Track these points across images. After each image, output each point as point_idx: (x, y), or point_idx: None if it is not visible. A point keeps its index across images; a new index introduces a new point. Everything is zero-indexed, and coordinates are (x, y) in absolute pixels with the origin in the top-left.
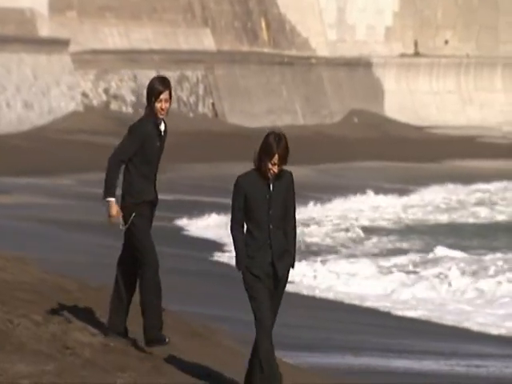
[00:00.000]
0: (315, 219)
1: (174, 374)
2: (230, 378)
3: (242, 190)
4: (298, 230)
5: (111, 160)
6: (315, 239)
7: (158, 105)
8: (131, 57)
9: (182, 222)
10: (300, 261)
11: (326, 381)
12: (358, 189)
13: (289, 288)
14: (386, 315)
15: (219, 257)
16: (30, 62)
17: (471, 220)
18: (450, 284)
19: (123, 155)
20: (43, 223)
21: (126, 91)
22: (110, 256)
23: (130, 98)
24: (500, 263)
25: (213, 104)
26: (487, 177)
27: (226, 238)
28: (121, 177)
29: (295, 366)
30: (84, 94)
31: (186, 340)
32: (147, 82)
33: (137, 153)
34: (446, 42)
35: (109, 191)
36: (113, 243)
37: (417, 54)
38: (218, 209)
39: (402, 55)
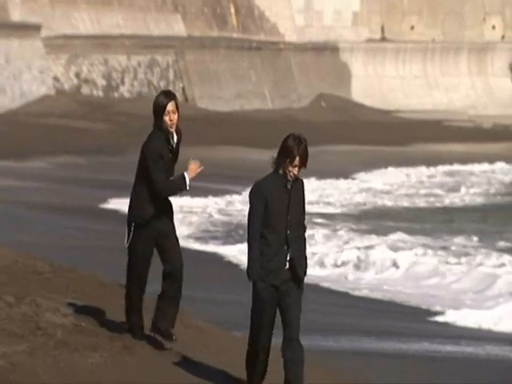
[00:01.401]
0: None
1: (144, 353)
2: (200, 357)
3: (262, 195)
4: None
5: (162, 182)
6: None
7: (166, 118)
8: (102, 42)
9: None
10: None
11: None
12: (326, 173)
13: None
14: (345, 295)
15: None
16: (1, 46)
17: (427, 203)
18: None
19: (163, 174)
20: (15, 206)
21: (96, 75)
22: (81, 238)
23: (101, 82)
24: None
25: (183, 88)
26: (453, 160)
27: None
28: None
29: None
30: (55, 78)
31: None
32: (118, 66)
33: (145, 169)
34: (412, 27)
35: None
36: (85, 225)
37: (383, 39)
38: None
39: (369, 40)
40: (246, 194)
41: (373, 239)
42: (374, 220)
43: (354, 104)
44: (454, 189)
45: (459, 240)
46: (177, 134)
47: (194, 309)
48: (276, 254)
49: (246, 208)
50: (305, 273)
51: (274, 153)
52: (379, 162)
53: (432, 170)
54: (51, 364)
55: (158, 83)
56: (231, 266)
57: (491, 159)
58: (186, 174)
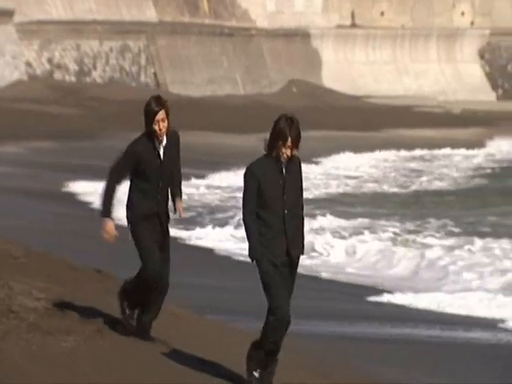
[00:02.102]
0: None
1: (116, 337)
2: (173, 341)
3: (255, 177)
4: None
5: (107, 179)
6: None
7: (155, 127)
8: (75, 27)
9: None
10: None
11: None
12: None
13: (221, 252)
14: (315, 279)
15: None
16: None
17: (394, 188)
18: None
19: (117, 174)
20: None
21: (69, 61)
22: (55, 222)
23: (73, 67)
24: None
25: (154, 74)
26: (422, 145)
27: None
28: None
29: (244, 331)
30: (28, 64)
31: None
32: (90, 52)
33: (134, 171)
34: (382, 13)
35: (104, 210)
36: (57, 210)
37: (354, 25)
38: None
39: (339, 26)
40: (212, 177)
41: (338, 223)
42: (340, 204)
43: (324, 89)
44: (422, 173)
45: (420, 223)
46: (169, 139)
47: (172, 294)
48: (275, 235)
49: (211, 192)
50: (302, 253)
51: (266, 136)
52: (349, 146)
53: (401, 154)
54: (24, 347)
55: (129, 68)
56: (200, 251)
57: (460, 144)
58: (107, 219)
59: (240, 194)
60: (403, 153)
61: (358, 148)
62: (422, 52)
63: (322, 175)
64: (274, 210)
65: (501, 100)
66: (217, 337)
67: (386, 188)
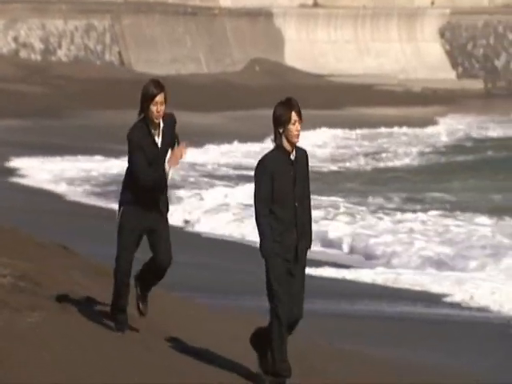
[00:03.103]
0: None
1: (82, 312)
2: (138, 317)
3: (267, 171)
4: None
5: (139, 168)
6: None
7: (153, 108)
8: (40, 6)
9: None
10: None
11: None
12: (256, 136)
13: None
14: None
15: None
16: None
17: (354, 165)
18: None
19: (141, 162)
20: None
21: (34, 39)
22: (19, 200)
23: (39, 46)
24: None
25: (119, 53)
26: (383, 123)
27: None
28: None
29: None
30: None
31: (93, 279)
32: (55, 31)
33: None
34: None
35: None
36: (22, 187)
37: (316, 4)
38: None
39: (302, 6)
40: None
41: None
42: None
43: (287, 68)
44: (383, 151)
45: (378, 200)
46: (165, 122)
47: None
48: (287, 229)
49: (176, 169)
50: (309, 246)
51: (271, 136)
52: (311, 125)
53: (362, 132)
54: None
55: (94, 47)
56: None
57: (419, 122)
58: (165, 165)
59: (199, 170)
60: (364, 130)
61: (320, 126)
62: (383, 31)
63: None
64: (286, 203)
65: (461, 78)
66: (184, 312)
67: (348, 165)
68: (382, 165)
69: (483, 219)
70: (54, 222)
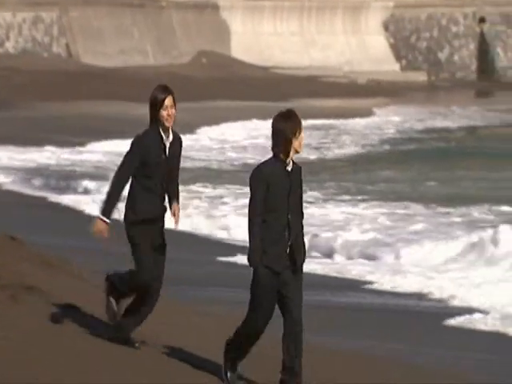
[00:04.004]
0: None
1: (29, 302)
2: (85, 307)
3: (263, 179)
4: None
5: (114, 176)
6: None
7: (164, 112)
8: None
9: None
10: None
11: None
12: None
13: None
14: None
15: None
16: None
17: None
18: None
19: (126, 166)
20: None
21: None
22: None
23: None
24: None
25: (67, 44)
26: (329, 114)
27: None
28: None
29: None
30: None
31: (40, 270)
32: (3, 23)
33: (139, 166)
34: None
35: (103, 209)
36: None
37: None
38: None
39: None
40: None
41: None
42: (239, 173)
43: (233, 60)
44: (328, 141)
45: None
46: (175, 137)
47: (79, 259)
48: (278, 240)
49: (90, 157)
50: (304, 259)
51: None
52: (260, 116)
53: (307, 123)
54: None
55: (42, 39)
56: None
57: (363, 113)
58: (101, 217)
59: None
60: (309, 121)
61: (266, 118)
62: (329, 24)
63: (217, 143)
64: (279, 213)
65: (404, 70)
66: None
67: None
68: (321, 155)
69: (417, 208)
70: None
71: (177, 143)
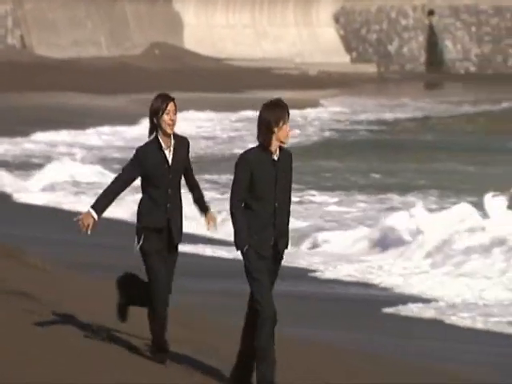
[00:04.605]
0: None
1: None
2: (42, 296)
3: (248, 166)
4: None
5: (115, 178)
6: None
7: (166, 117)
8: None
9: None
10: None
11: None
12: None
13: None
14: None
15: None
16: None
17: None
18: None
19: (124, 175)
20: None
21: None
22: None
23: None
24: None
25: (21, 36)
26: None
27: None
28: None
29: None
30: None
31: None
32: None
33: (143, 176)
34: None
35: (95, 203)
36: None
37: None
38: None
39: None
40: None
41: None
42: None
43: (186, 52)
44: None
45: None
46: (178, 142)
47: (33, 249)
48: (264, 227)
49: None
50: (287, 246)
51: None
52: (211, 108)
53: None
54: None
55: None
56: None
57: (312, 104)
58: (90, 210)
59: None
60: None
61: (219, 108)
62: (280, 16)
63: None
64: (266, 202)
65: (354, 62)
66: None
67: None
68: None
69: (362, 197)
70: None
71: (182, 147)
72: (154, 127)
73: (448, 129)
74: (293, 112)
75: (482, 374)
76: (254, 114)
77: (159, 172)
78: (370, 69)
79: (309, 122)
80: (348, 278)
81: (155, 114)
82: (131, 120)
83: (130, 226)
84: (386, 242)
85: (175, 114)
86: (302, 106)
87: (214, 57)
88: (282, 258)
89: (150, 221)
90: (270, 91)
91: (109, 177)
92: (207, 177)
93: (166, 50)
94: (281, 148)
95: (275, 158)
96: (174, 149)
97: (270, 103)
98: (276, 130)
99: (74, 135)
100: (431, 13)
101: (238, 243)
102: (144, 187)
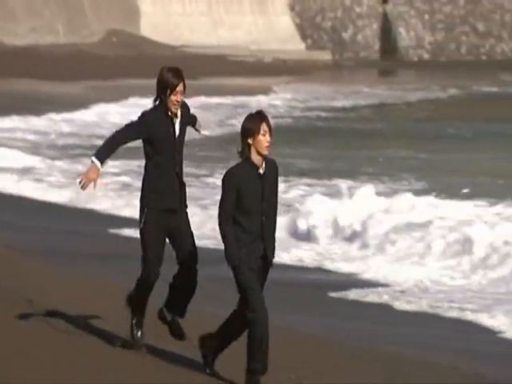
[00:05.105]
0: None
1: None
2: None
3: (235, 182)
4: None
5: (115, 132)
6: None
7: (173, 97)
8: None
9: None
10: None
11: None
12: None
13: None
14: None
15: None
16: None
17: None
18: None
19: (122, 133)
20: None
21: None
22: None
23: None
24: None
25: None
26: (236, 92)
27: None
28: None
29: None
30: None
31: None
32: None
33: (146, 143)
34: None
35: (97, 152)
36: None
37: None
38: None
39: None
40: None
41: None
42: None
43: (143, 40)
44: (226, 118)
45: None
46: (182, 111)
47: None
48: (253, 240)
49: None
50: (273, 256)
51: (238, 146)
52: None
53: (213, 100)
54: None
55: None
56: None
57: (266, 90)
58: (94, 159)
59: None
60: (216, 99)
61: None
62: (236, 4)
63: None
64: (253, 216)
65: (309, 50)
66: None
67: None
68: (226, 131)
69: (309, 181)
70: None
71: (185, 116)
72: (161, 99)
73: (401, 116)
74: (245, 99)
75: (436, 357)
76: (208, 100)
77: (166, 141)
78: (325, 56)
79: (261, 108)
80: (297, 263)
81: (164, 89)
82: (85, 106)
83: (97, 213)
84: (327, 228)
85: (183, 94)
86: (254, 92)
87: (170, 44)
88: (271, 265)
89: (159, 201)
90: (226, 78)
91: (59, 164)
92: None
93: (123, 37)
94: (266, 159)
95: (261, 171)
96: (181, 122)
97: (249, 114)
98: (250, 141)
99: (27, 121)
100: (385, 1)
101: (228, 259)
102: (148, 157)
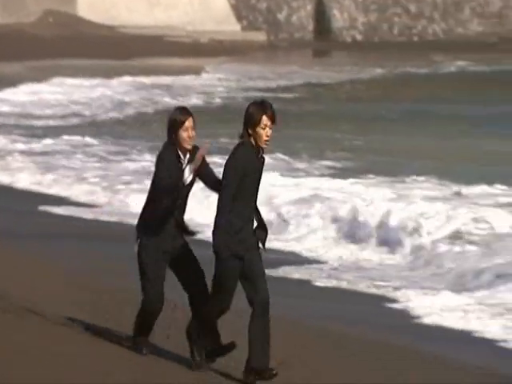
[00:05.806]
0: None
1: None
2: None
3: (240, 170)
4: None
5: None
6: None
7: (184, 134)
8: None
9: None
10: None
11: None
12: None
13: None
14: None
15: None
16: None
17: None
18: None
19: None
20: None
21: None
22: None
23: None
24: None
25: None
26: (171, 72)
27: None
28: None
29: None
30: None
31: None
32: None
33: (153, 183)
34: None
35: None
36: None
37: None
38: None
39: None
40: None
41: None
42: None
43: (79, 19)
44: (163, 97)
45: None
46: (191, 154)
47: None
48: (245, 224)
49: None
50: (267, 233)
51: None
52: (105, 74)
53: (148, 81)
54: None
55: None
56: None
57: (200, 70)
58: (187, 168)
59: None
60: (151, 79)
61: (113, 75)
62: None
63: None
64: (248, 200)
65: (245, 31)
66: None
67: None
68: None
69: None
70: None
71: (198, 164)
72: (171, 139)
73: (333, 96)
74: (177, 78)
75: (373, 334)
76: (143, 79)
77: (174, 178)
78: (260, 37)
79: (193, 88)
80: None
81: (173, 128)
82: (14, 85)
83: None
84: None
85: (194, 130)
86: (186, 72)
87: (107, 24)
88: (263, 244)
89: (159, 238)
90: (163, 58)
91: None
92: None
93: (59, 17)
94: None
95: (261, 155)
96: (189, 159)
97: (252, 102)
98: (250, 131)
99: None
100: None
101: (216, 244)
102: (151, 193)
